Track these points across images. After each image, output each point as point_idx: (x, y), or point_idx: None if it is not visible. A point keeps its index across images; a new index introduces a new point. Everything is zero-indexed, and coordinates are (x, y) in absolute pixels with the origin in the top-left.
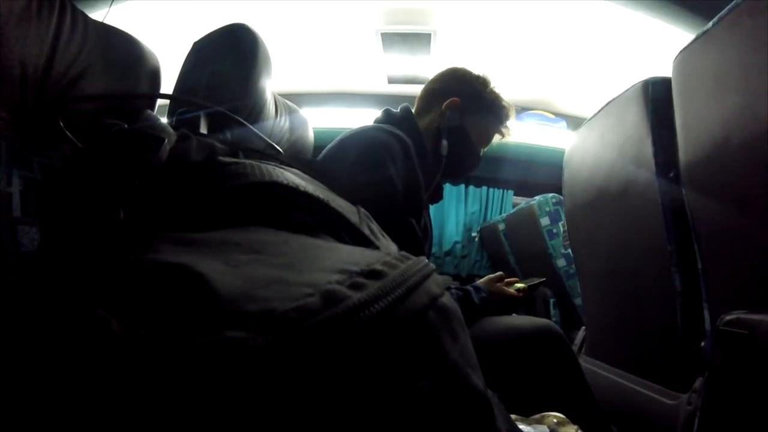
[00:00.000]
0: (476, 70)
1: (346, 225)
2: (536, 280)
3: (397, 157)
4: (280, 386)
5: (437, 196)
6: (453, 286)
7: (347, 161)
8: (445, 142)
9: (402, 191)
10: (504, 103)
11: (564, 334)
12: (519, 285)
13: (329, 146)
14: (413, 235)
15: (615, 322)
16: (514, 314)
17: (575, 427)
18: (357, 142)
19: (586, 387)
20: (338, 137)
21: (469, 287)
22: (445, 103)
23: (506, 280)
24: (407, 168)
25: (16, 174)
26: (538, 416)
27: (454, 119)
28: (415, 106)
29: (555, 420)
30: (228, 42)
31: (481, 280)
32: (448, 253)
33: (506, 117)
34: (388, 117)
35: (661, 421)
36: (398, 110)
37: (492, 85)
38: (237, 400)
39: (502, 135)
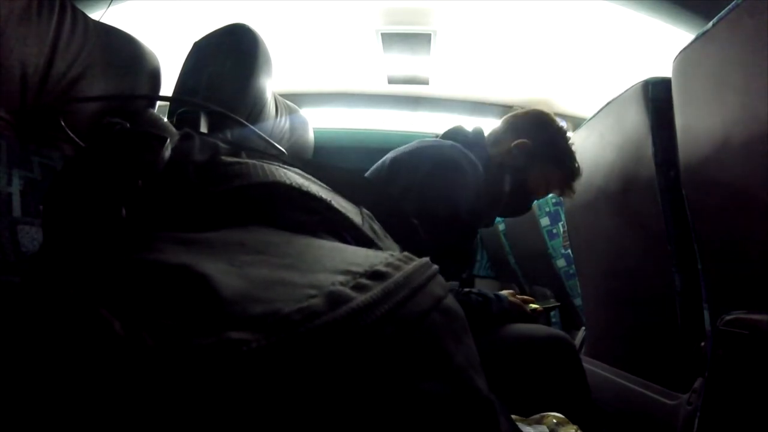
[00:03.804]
0: (560, 120)
1: (349, 225)
2: (551, 304)
3: (469, 182)
4: (283, 388)
5: (490, 224)
6: (473, 291)
7: (420, 172)
8: (508, 177)
9: (465, 215)
10: (576, 162)
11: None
12: (534, 306)
13: (401, 150)
14: (465, 256)
15: (615, 322)
16: None
17: (575, 427)
18: (432, 156)
19: (590, 399)
20: (412, 144)
21: (491, 295)
22: (515, 142)
23: (521, 297)
24: (474, 194)
25: (16, 174)
26: (537, 416)
27: (519, 160)
28: (491, 129)
29: (555, 420)
30: (228, 42)
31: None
32: None
33: (573, 176)
34: (459, 136)
35: (661, 421)
36: (470, 131)
37: (571, 141)
38: (240, 402)
39: (563, 194)
